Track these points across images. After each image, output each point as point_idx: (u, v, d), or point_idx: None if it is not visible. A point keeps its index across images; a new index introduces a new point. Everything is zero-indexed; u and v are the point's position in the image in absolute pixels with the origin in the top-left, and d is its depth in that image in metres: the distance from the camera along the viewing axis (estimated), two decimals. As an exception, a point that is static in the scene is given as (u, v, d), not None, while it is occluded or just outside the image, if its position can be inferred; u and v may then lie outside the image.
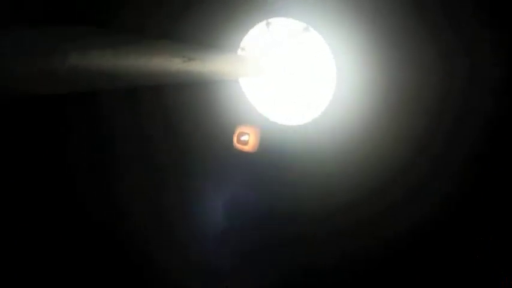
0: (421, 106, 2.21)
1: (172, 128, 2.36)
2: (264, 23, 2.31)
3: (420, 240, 2.34)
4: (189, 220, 2.56)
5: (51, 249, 2.46)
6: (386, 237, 2.35)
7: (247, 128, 2.36)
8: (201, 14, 2.25)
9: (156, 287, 2.58)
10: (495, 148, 2.20)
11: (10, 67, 1.30)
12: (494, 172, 2.22)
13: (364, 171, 2.28)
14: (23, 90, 1.39)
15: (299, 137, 2.34)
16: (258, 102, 2.39)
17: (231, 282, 2.55)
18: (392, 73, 2.21)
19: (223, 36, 2.25)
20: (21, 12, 1.94)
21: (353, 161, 2.29)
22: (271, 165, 2.38)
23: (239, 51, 2.29)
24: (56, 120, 2.42)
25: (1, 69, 1.29)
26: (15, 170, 2.38)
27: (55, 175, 2.44)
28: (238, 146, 2.34)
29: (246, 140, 2.34)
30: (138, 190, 2.54)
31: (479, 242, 2.29)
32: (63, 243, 2.48)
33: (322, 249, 2.45)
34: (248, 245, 2.54)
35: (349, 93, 2.26)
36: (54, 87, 1.46)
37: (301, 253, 2.49)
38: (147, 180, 2.53)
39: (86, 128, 2.46)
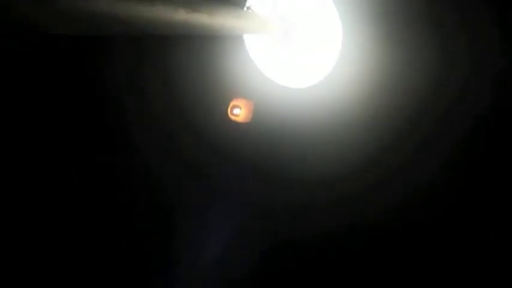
0: (427, 70, 2.18)
1: (175, 84, 2.32)
2: (270, -19, 2.25)
3: (425, 204, 2.33)
4: (190, 187, 2.55)
5: (51, 249, 2.46)
6: (390, 202, 2.33)
7: (240, 101, 2.37)
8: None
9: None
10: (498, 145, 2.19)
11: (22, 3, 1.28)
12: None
13: (370, 134, 2.25)
14: (29, 25, 1.37)
15: (304, 99, 2.31)
16: (262, 63, 2.34)
17: (234, 249, 2.55)
18: (399, 35, 2.16)
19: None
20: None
21: (359, 123, 2.26)
22: (275, 128, 2.35)
23: (245, 8, 2.24)
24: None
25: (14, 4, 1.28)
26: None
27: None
28: (232, 117, 2.37)
29: (238, 113, 2.36)
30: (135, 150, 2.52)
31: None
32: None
33: (327, 214, 2.44)
34: (251, 211, 2.53)
35: (355, 54, 2.22)
36: (59, 26, 1.44)
37: (304, 218, 2.48)
38: (143, 140, 2.51)
39: (86, 91, 2.44)
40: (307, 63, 2.29)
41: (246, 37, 2.28)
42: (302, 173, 2.41)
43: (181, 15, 1.69)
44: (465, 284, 2.32)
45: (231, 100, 2.38)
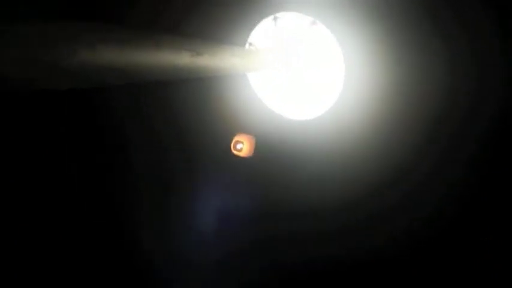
0: (430, 103, 2.20)
1: (179, 124, 2.36)
2: (271, 17, 2.30)
3: (426, 239, 2.34)
4: (194, 214, 2.57)
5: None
6: (392, 235, 2.34)
7: (242, 137, 2.41)
8: (208, 9, 2.25)
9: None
10: (504, 151, 2.19)
11: (20, 59, 1.31)
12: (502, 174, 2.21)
13: (372, 167, 2.27)
14: (31, 83, 1.40)
15: (307, 131, 2.34)
16: (266, 97, 2.38)
17: (237, 278, 2.55)
18: (401, 69, 2.20)
19: (231, 31, 2.25)
20: (32, 7, 1.95)
21: (361, 156, 2.28)
22: (278, 160, 2.38)
23: (247, 46, 2.28)
24: (58, 115, 2.42)
25: (11, 61, 1.30)
26: (16, 167, 2.39)
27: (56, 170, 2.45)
28: (235, 152, 2.41)
29: (241, 148, 2.41)
30: (140, 184, 2.54)
31: (486, 242, 2.28)
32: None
33: (328, 246, 2.45)
34: (253, 242, 2.54)
35: (358, 87, 2.25)
36: (63, 81, 1.47)
37: (306, 249, 2.48)
38: (149, 177, 2.54)
39: (88, 121, 2.47)
40: (311, 96, 2.32)
41: (250, 73, 2.32)
42: (306, 204, 2.43)
43: (186, 59, 1.73)
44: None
45: (235, 135, 2.42)
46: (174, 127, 2.45)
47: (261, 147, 2.42)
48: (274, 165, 2.43)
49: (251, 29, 2.29)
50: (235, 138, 2.41)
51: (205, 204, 2.56)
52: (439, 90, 2.14)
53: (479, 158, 2.19)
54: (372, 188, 2.33)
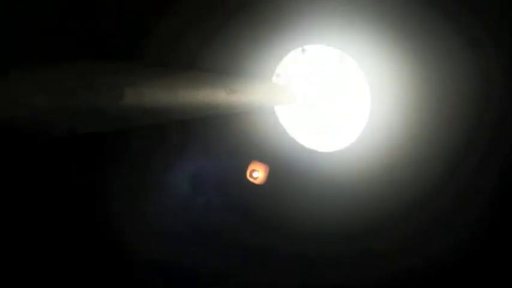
0: (457, 131, 2.22)
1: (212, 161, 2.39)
2: (299, 49, 2.32)
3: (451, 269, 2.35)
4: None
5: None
6: (416, 267, 2.35)
7: (258, 165, 2.43)
8: (236, 41, 2.27)
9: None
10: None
11: (66, 103, 1.32)
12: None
13: (398, 198, 2.28)
14: (79, 126, 1.42)
15: (331, 163, 2.35)
16: (291, 129, 2.40)
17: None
18: (427, 101, 2.21)
19: (259, 64, 2.27)
20: (73, 50, 1.97)
21: (386, 189, 2.30)
22: (306, 192, 2.39)
23: (274, 78, 2.30)
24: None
25: (58, 105, 1.32)
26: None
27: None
28: (250, 179, 2.46)
29: (257, 176, 2.46)
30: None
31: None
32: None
33: (346, 274, 2.45)
34: (273, 265, 2.54)
35: (384, 119, 2.26)
36: (106, 124, 1.48)
37: (323, 275, 2.49)
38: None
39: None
40: (336, 128, 2.34)
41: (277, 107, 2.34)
42: (325, 234, 2.44)
43: (222, 97, 1.75)
44: None
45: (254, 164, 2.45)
46: (204, 161, 2.47)
47: (285, 177, 2.43)
48: (297, 195, 2.44)
49: (279, 61, 2.31)
50: (251, 167, 2.45)
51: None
52: (467, 117, 2.15)
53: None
54: (401, 218, 2.34)
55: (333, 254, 2.43)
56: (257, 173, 2.45)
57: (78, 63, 1.42)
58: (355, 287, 2.42)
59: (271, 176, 2.41)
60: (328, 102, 2.33)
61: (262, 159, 2.40)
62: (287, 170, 2.39)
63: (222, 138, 2.33)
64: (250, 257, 2.50)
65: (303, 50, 2.32)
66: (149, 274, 2.56)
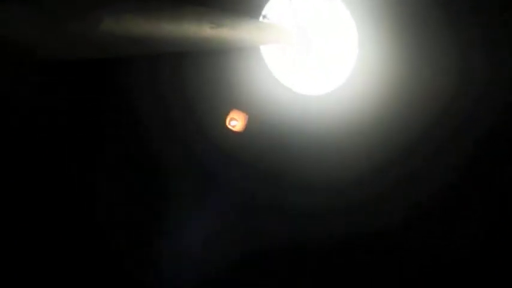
0: (444, 81, 2.19)
1: (191, 97, 2.34)
2: (286, -11, 2.26)
3: (433, 215, 2.36)
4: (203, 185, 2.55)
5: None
6: (401, 211, 2.36)
7: (237, 114, 2.40)
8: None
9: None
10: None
11: (45, 30, 1.28)
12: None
13: (385, 142, 2.27)
14: (57, 53, 1.38)
15: (320, 107, 2.33)
16: (277, 71, 2.36)
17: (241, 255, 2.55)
18: (417, 43, 2.18)
19: (246, 3, 2.21)
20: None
21: (374, 132, 2.28)
22: (291, 136, 2.37)
23: (261, 18, 2.25)
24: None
25: (36, 32, 1.28)
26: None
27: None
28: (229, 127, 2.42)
29: (235, 124, 2.42)
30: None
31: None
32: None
33: (333, 222, 2.46)
34: (260, 216, 2.54)
35: (372, 62, 2.23)
36: (87, 51, 1.45)
37: (312, 224, 2.50)
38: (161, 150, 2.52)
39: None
40: (324, 71, 2.30)
41: (263, 46, 2.29)
42: (311, 179, 2.43)
43: (206, 31, 1.70)
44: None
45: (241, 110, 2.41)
46: (183, 97, 2.42)
47: (271, 121, 2.40)
48: (283, 139, 2.42)
49: (266, 1, 2.25)
50: (230, 115, 2.41)
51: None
52: (455, 69, 2.13)
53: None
54: (377, 165, 2.34)
55: (321, 202, 2.44)
56: (235, 122, 2.41)
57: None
58: (343, 237, 2.43)
59: (254, 120, 2.37)
60: (316, 44, 2.28)
61: (245, 101, 2.35)
62: (271, 113, 2.36)
63: (204, 77, 2.28)
64: (232, 204, 2.50)
65: (291, -10, 2.26)
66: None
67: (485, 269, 2.30)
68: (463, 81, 2.19)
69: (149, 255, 2.52)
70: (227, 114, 2.41)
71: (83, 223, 2.49)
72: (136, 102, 2.37)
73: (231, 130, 2.42)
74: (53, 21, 1.26)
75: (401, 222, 2.37)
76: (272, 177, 2.41)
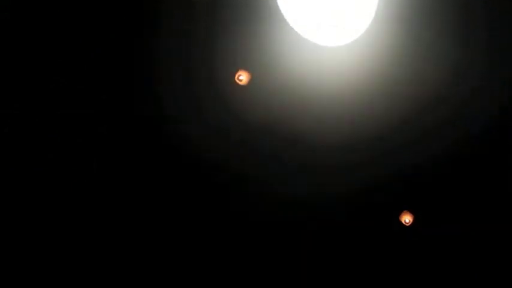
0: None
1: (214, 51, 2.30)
2: None
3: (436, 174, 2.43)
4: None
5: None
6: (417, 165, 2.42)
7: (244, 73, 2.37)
8: None
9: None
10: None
11: None
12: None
13: (404, 96, 2.29)
14: None
15: (338, 58, 2.31)
16: (294, 21, 2.30)
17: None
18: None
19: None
20: None
21: (392, 85, 2.29)
22: (309, 86, 2.37)
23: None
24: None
25: None
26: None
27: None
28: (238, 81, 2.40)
29: (242, 79, 2.41)
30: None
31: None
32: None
33: (347, 177, 2.52)
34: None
35: (390, 14, 2.18)
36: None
37: (325, 179, 2.56)
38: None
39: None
40: (341, 22, 2.25)
41: None
42: (330, 131, 2.46)
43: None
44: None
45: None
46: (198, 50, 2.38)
47: (289, 72, 2.39)
48: (300, 90, 2.42)
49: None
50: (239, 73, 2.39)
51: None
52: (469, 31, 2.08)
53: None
54: (394, 120, 2.37)
55: (334, 158, 2.48)
56: (242, 77, 2.40)
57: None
58: (350, 193, 2.51)
59: (269, 72, 2.34)
60: (334, -5, 2.21)
61: (263, 54, 2.30)
62: (287, 63, 2.33)
63: (221, 29, 2.22)
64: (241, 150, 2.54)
65: None
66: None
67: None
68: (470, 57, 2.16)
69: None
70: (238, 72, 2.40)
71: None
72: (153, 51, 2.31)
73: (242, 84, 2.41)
74: None
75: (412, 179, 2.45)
76: (292, 133, 2.45)
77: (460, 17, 2.14)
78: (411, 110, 2.30)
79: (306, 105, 2.36)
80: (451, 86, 2.23)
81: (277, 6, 2.24)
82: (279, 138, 2.45)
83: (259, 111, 2.39)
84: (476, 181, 2.42)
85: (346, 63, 2.29)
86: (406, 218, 2.54)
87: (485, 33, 2.17)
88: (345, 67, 2.29)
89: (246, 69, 2.32)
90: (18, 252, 2.46)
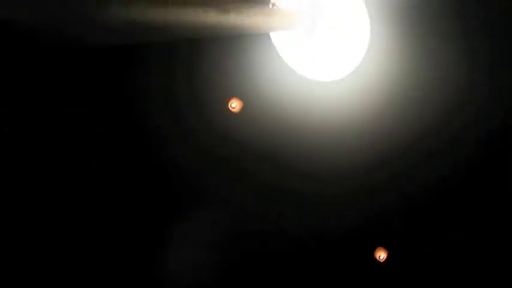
0: (455, 70, 2.17)
1: (209, 83, 2.34)
2: (296, -25, 2.24)
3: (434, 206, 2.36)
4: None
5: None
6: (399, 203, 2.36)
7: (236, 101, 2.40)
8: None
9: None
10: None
11: (68, 17, 1.31)
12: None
13: (396, 128, 2.26)
14: (78, 41, 1.40)
15: (331, 93, 2.32)
16: (288, 57, 2.35)
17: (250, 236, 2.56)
18: (427, 31, 2.15)
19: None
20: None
21: (385, 118, 2.27)
22: (302, 121, 2.37)
23: (270, 5, 2.23)
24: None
25: (61, 20, 1.30)
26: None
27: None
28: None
29: (234, 107, 2.42)
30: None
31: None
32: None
33: (341, 208, 2.46)
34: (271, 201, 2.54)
35: (383, 48, 2.21)
36: (106, 38, 1.46)
37: (321, 210, 2.50)
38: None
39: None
40: (335, 57, 2.29)
41: (273, 33, 2.28)
42: (321, 164, 2.42)
43: (214, 17, 1.70)
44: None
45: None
46: (191, 85, 2.42)
47: (281, 107, 2.40)
48: (293, 123, 2.42)
49: (275, -13, 2.24)
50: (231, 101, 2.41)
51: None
52: (463, 57, 2.10)
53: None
54: (384, 153, 2.33)
55: (331, 189, 2.44)
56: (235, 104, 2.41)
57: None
58: (348, 225, 2.43)
59: (266, 106, 2.37)
60: (326, 30, 2.27)
61: (256, 88, 2.35)
62: (282, 98, 2.35)
63: (213, 64, 2.29)
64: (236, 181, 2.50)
65: (300, -24, 2.24)
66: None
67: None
68: (476, 72, 2.17)
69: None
70: (231, 100, 2.41)
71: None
72: (145, 88, 2.38)
73: (235, 114, 2.42)
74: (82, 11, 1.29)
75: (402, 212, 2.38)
76: (284, 164, 2.42)
77: (456, 51, 2.16)
78: (403, 140, 2.27)
79: (296, 135, 2.36)
80: (448, 117, 2.21)
81: (271, 41, 2.30)
82: (272, 166, 2.41)
83: (252, 139, 2.38)
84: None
85: (340, 97, 2.29)
86: (381, 255, 2.44)
87: (486, 70, 2.18)
88: (339, 101, 2.29)
89: (239, 97, 2.35)
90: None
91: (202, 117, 2.37)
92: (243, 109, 2.36)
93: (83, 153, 2.37)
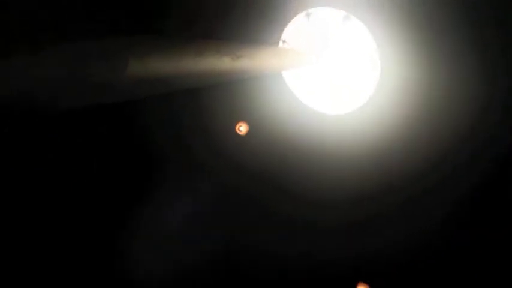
0: (466, 102, 2.19)
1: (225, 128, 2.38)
2: (303, 13, 2.30)
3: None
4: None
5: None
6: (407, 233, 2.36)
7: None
8: (240, 10, 2.24)
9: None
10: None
11: (76, 77, 1.33)
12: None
13: (407, 163, 2.28)
14: (85, 100, 1.43)
15: (342, 126, 2.35)
16: (301, 93, 2.39)
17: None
18: (437, 63, 2.18)
19: (264, 30, 2.25)
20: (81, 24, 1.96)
21: (396, 152, 2.29)
22: (313, 155, 2.39)
23: (280, 44, 2.29)
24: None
25: (65, 80, 1.33)
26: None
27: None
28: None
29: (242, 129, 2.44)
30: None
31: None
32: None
33: (350, 242, 2.46)
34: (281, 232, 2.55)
35: (393, 82, 2.24)
36: (109, 96, 1.49)
37: (329, 242, 2.50)
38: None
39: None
40: (346, 90, 2.33)
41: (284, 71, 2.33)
42: (330, 195, 2.44)
43: (227, 63, 1.75)
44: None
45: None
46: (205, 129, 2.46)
47: (296, 141, 2.43)
48: (306, 157, 2.44)
49: (284, 27, 2.29)
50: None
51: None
52: (478, 88, 2.12)
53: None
54: (397, 186, 2.35)
55: (340, 220, 2.44)
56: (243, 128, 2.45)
57: (80, 36, 1.42)
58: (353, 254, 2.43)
59: (280, 140, 2.40)
60: (336, 65, 2.32)
61: (271, 124, 2.38)
62: (296, 133, 2.38)
63: (229, 104, 2.33)
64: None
65: (308, 14, 2.29)
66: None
67: None
68: (486, 106, 2.18)
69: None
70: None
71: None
72: (154, 138, 2.41)
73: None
74: (74, 70, 1.31)
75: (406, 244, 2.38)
76: (293, 195, 2.44)
77: (473, 86, 2.18)
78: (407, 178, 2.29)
79: (309, 169, 2.38)
80: (458, 151, 2.23)
81: (281, 76, 2.35)
82: (276, 192, 2.44)
83: (258, 163, 2.41)
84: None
85: (348, 131, 2.32)
86: None
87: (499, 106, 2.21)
88: (347, 135, 2.32)
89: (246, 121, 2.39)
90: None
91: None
92: (252, 141, 2.40)
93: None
